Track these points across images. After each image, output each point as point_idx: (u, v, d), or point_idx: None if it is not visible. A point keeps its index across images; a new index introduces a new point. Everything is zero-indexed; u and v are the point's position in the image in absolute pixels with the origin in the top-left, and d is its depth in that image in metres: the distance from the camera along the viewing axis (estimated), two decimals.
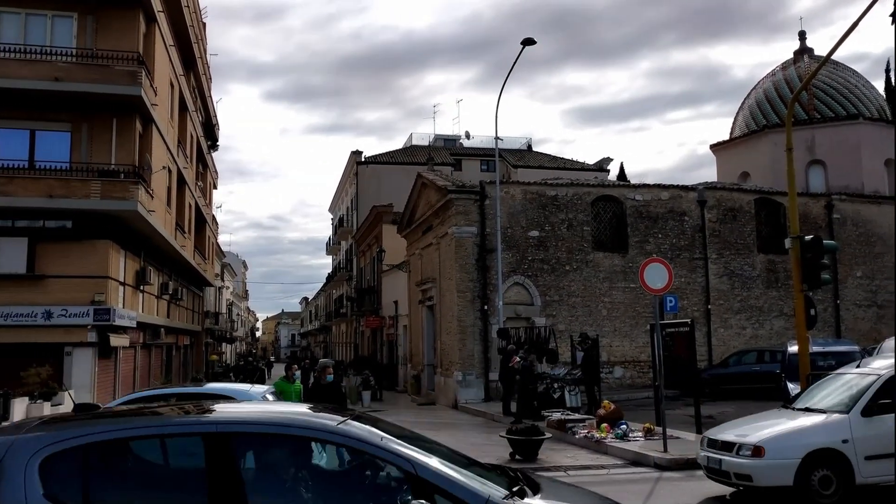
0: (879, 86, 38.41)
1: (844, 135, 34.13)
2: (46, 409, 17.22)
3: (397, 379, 35.83)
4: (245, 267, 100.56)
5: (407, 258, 34.05)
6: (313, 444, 4.27)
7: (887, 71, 38.76)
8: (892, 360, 9.70)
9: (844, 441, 8.96)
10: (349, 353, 52.85)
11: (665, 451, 12.64)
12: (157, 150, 23.21)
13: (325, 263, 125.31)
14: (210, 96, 41.24)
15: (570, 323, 25.31)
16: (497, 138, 25.44)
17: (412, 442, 4.23)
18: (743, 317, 27.69)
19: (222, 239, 63.97)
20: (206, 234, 41.80)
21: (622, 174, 44.82)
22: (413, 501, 3.77)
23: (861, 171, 33.41)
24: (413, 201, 31.50)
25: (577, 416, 16.97)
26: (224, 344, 65.45)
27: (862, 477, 8.90)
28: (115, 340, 21.30)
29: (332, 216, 67.58)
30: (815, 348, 17.75)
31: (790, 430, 9.37)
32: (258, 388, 10.11)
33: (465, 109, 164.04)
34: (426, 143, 51.11)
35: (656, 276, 13.65)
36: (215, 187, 48.42)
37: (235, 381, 31.87)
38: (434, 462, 4.03)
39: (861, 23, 13.20)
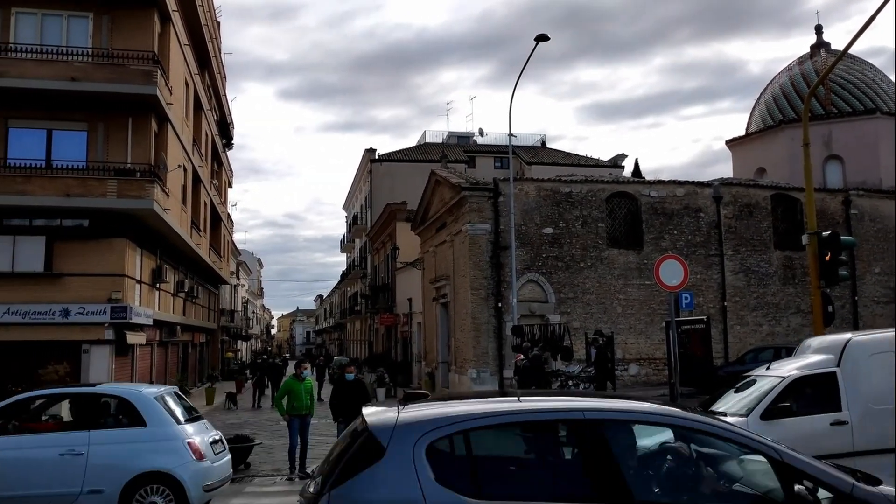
0: None
1: (862, 129, 33.75)
2: None
3: (412, 376, 35.87)
4: (260, 265, 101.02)
5: (421, 255, 34.06)
6: (670, 431, 4.45)
7: None
8: (805, 361, 9.35)
9: None
10: (364, 350, 53.00)
11: None
12: (172, 149, 23.35)
13: (340, 261, 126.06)
14: (225, 95, 41.44)
15: (584, 320, 25.25)
16: (511, 135, 25.36)
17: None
18: (759, 314, 27.47)
19: (237, 237, 64.40)
20: (222, 233, 42.04)
21: (637, 171, 44.39)
22: (797, 486, 3.97)
23: (879, 166, 33.00)
24: (427, 199, 31.49)
25: None
26: (240, 341, 65.75)
27: None
28: (132, 338, 21.47)
29: (346, 214, 67.80)
30: None
31: None
32: (151, 389, 9.81)
33: (479, 107, 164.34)
34: (440, 141, 51.11)
35: (671, 272, 13.61)
36: (230, 186, 48.67)
37: (252, 379, 32.20)
38: (792, 451, 4.21)
39: (878, 17, 13.07)
